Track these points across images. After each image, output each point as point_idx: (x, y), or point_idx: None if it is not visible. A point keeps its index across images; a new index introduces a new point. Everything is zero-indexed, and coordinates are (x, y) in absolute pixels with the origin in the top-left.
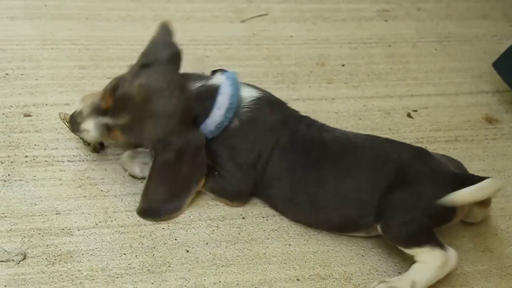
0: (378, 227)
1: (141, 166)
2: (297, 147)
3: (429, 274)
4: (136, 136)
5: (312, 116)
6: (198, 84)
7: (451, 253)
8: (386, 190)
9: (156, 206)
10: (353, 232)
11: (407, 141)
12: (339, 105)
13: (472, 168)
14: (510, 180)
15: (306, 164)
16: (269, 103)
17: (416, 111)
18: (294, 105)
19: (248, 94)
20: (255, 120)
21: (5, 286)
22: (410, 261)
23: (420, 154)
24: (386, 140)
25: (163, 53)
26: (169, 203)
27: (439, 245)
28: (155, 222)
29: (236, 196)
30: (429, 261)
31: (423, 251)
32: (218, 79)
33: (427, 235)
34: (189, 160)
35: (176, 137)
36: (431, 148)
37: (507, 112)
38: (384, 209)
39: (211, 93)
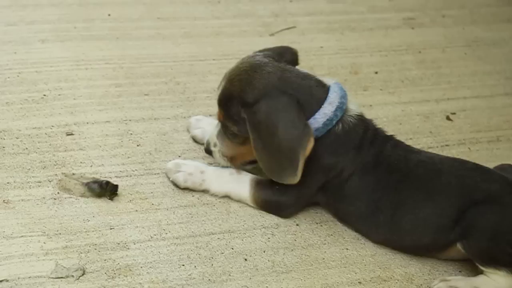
0: (459, 245)
1: (185, 176)
2: (380, 168)
3: None
4: (228, 100)
5: None
6: (307, 75)
7: None
8: (470, 210)
9: (275, 175)
10: (422, 255)
11: (450, 144)
12: (377, 111)
13: None
14: None
15: (387, 185)
16: (363, 120)
17: (454, 113)
18: None
19: (353, 107)
20: (351, 133)
21: None
22: (470, 262)
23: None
24: (476, 168)
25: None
26: (283, 172)
27: None
28: (210, 233)
29: (288, 214)
30: (499, 281)
31: (497, 273)
32: (327, 79)
33: (508, 261)
34: (283, 119)
35: (266, 98)
36: (474, 149)
37: None
38: (468, 229)
39: (323, 88)
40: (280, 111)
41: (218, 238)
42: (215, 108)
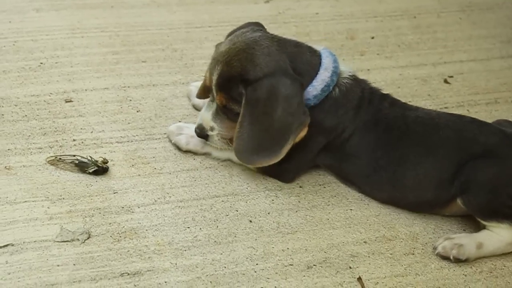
0: (459, 200)
1: (188, 138)
2: (379, 126)
3: (498, 244)
4: (229, 82)
5: None
6: (298, 43)
7: None
8: (469, 165)
9: (248, 156)
10: (426, 212)
11: (448, 106)
12: (375, 75)
13: None
14: None
15: (388, 143)
16: (358, 80)
17: (452, 77)
18: None
19: (344, 68)
20: (348, 94)
21: (74, 264)
22: (473, 219)
23: (509, 139)
24: (473, 120)
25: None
26: (261, 153)
27: None
28: (214, 196)
29: (290, 179)
30: (502, 234)
31: (500, 226)
32: (316, 46)
33: (509, 213)
34: (284, 104)
35: (269, 78)
36: (473, 111)
37: None
38: (467, 184)
39: (315, 55)
40: (282, 94)
41: (222, 201)
42: None
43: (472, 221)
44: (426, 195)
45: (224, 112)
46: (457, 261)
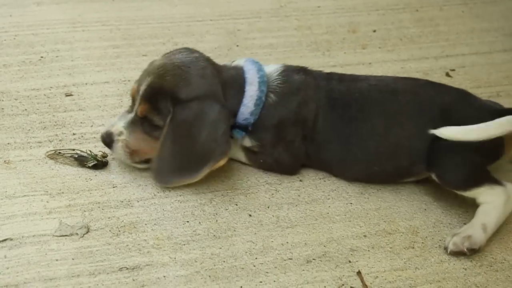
0: (434, 177)
1: None
2: (337, 105)
3: (496, 213)
4: (157, 94)
5: None
6: (222, 66)
7: (509, 185)
8: (433, 135)
9: (165, 176)
10: (405, 179)
11: None
12: (377, 68)
13: None
14: None
15: (351, 119)
16: (293, 71)
17: (454, 70)
18: (332, 71)
19: (271, 68)
20: (290, 89)
21: (73, 259)
22: (473, 210)
23: (462, 95)
24: (427, 83)
25: None
26: (178, 174)
27: (497, 182)
28: (214, 190)
29: (288, 172)
30: (492, 200)
31: (483, 191)
32: (237, 61)
33: (483, 174)
34: (209, 129)
35: (199, 100)
36: None
37: None
38: (435, 157)
39: (238, 72)
40: (209, 119)
41: (222, 195)
42: None
43: (472, 212)
44: (403, 163)
45: (141, 123)
46: (472, 252)
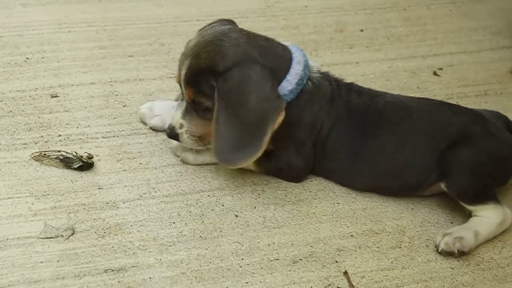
0: (442, 185)
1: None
2: (352, 118)
3: (490, 228)
4: (198, 75)
5: None
6: (268, 38)
7: (507, 210)
8: (448, 149)
9: (229, 155)
10: (407, 194)
11: (437, 98)
12: (364, 68)
13: None
14: None
15: (364, 133)
16: (325, 74)
17: (441, 69)
18: None
19: (312, 63)
20: (320, 88)
21: (58, 261)
22: (459, 211)
23: (479, 117)
24: (443, 103)
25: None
26: (241, 149)
27: (499, 203)
28: (200, 190)
29: (295, 178)
30: (490, 216)
31: (486, 208)
32: (283, 42)
33: (491, 193)
34: (256, 90)
35: (238, 67)
36: (462, 103)
37: None
38: (449, 168)
39: (285, 49)
40: (253, 80)
41: (208, 196)
42: None
43: (459, 212)
44: (409, 182)
45: (194, 108)
46: (461, 254)
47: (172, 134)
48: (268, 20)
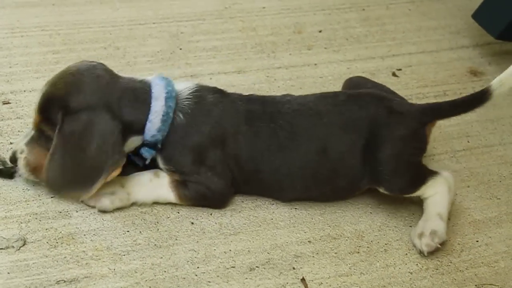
0: (382, 190)
1: (111, 198)
2: (262, 132)
3: (445, 201)
4: (49, 103)
5: (298, 83)
6: (126, 78)
7: (446, 174)
8: (367, 150)
9: (58, 189)
10: (348, 197)
11: None
12: (322, 69)
13: (465, 119)
14: (504, 129)
15: (280, 149)
16: (209, 91)
17: (400, 70)
18: (277, 73)
19: (183, 86)
20: (202, 110)
21: (9, 273)
22: (418, 213)
23: (381, 101)
24: (348, 97)
25: None
26: (72, 186)
27: (435, 173)
28: None
29: (221, 201)
30: (436, 190)
31: (428, 186)
32: (146, 77)
33: (423, 170)
34: (98, 140)
35: (89, 111)
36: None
37: (490, 64)
38: (376, 172)
39: (144, 88)
40: (98, 130)
41: (163, 203)
42: (156, 72)
43: (417, 215)
44: (341, 185)
45: (38, 137)
46: (443, 244)
47: (13, 158)
48: (226, 22)
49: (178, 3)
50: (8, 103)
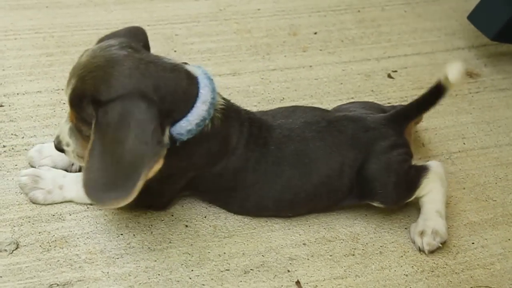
0: (376, 204)
1: (44, 194)
2: (253, 157)
3: (441, 196)
4: (80, 100)
5: (293, 85)
6: (175, 67)
7: (434, 166)
8: (353, 171)
9: (98, 193)
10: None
11: (392, 101)
12: (317, 71)
13: (461, 121)
14: (500, 130)
15: (266, 172)
16: (235, 111)
17: (396, 71)
18: (272, 75)
19: (220, 97)
20: (222, 129)
21: (1, 277)
22: (413, 216)
23: (357, 122)
24: (328, 123)
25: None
26: (112, 190)
27: (425, 170)
28: None
29: (162, 208)
30: (431, 188)
31: (423, 187)
32: (193, 68)
33: (413, 174)
34: (135, 130)
35: (122, 100)
36: None
37: (486, 66)
38: (368, 189)
39: (192, 83)
40: (134, 119)
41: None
42: None
43: (413, 216)
44: (328, 203)
45: (79, 130)
46: (443, 243)
47: (59, 148)
48: (220, 24)
49: (172, 5)
50: (1, 106)
